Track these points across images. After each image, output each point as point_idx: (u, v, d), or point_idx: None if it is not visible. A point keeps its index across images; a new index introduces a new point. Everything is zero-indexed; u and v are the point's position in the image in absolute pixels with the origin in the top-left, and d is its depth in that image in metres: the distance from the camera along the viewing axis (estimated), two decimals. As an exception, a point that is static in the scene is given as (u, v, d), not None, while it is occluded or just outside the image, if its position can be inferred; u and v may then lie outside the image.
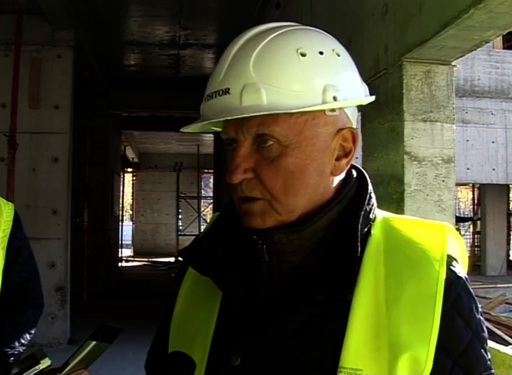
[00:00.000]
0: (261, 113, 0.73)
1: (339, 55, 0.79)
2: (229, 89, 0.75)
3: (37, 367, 0.91)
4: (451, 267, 0.75)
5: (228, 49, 0.79)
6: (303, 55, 0.75)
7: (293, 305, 0.75)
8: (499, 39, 10.62)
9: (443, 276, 0.73)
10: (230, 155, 0.79)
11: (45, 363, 0.91)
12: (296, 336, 0.75)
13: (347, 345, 0.71)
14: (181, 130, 0.85)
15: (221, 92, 0.76)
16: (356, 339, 0.72)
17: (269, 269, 0.80)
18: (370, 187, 0.84)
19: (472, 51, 2.74)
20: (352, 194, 0.82)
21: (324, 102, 0.75)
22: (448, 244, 0.77)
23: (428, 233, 0.79)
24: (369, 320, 0.72)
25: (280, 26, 0.80)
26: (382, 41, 3.06)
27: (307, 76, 0.75)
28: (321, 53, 0.77)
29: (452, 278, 0.74)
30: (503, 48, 11.36)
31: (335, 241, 0.78)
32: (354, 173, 0.86)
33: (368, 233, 0.79)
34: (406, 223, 0.82)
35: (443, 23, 2.41)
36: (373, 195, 0.83)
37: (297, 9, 4.91)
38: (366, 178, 0.85)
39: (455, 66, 2.90)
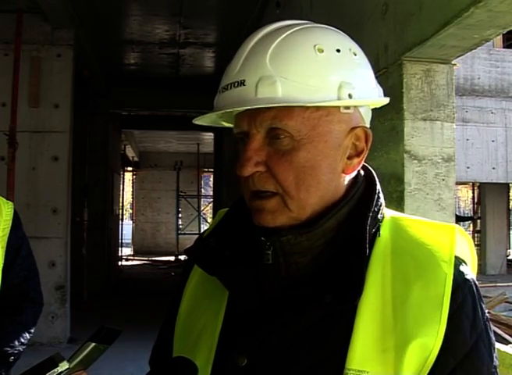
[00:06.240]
0: (276, 105, 0.73)
1: (355, 55, 0.79)
2: (244, 81, 0.75)
3: (55, 370, 0.91)
4: (459, 269, 0.74)
5: (245, 43, 0.78)
6: (320, 51, 0.75)
7: (300, 307, 0.75)
8: (499, 38, 10.61)
9: (451, 277, 0.72)
10: (242, 149, 0.78)
11: (63, 366, 0.92)
12: (303, 337, 0.74)
13: (354, 347, 0.71)
14: (194, 121, 0.85)
15: (236, 84, 0.76)
16: (362, 341, 0.71)
17: (277, 271, 0.79)
18: (378, 186, 0.83)
19: (472, 50, 2.73)
20: (360, 194, 0.81)
21: (339, 99, 0.75)
22: (457, 246, 0.76)
23: (436, 234, 0.78)
24: (376, 322, 0.72)
25: (297, 23, 0.80)
26: (381, 39, 3.06)
27: (324, 72, 0.75)
28: (338, 51, 0.77)
29: (460, 280, 0.73)
30: (503, 47, 11.36)
31: (343, 241, 0.77)
32: (362, 172, 0.85)
33: (376, 233, 0.78)
34: (414, 224, 0.81)
35: (443, 21, 2.40)
36: (381, 195, 0.82)
37: (297, 8, 4.90)
38: (374, 177, 0.84)
39: (455, 64, 2.90)
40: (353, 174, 0.82)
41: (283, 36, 0.76)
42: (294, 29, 0.78)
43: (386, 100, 0.84)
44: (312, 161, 0.76)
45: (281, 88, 0.73)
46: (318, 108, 0.75)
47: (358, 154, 0.80)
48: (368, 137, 0.81)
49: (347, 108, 0.78)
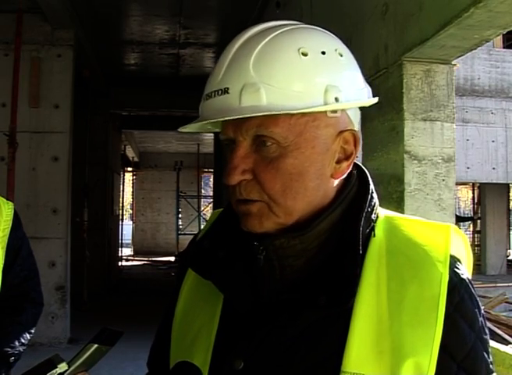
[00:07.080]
0: (260, 114, 0.71)
1: (341, 55, 0.77)
2: (228, 88, 0.73)
3: (53, 371, 0.91)
4: (455, 269, 0.73)
5: (228, 48, 0.77)
6: (304, 54, 0.73)
7: (295, 310, 0.74)
8: (499, 38, 10.62)
9: (446, 277, 0.71)
10: (228, 156, 0.77)
11: (63, 368, 0.92)
12: (298, 340, 0.74)
13: (349, 349, 0.70)
14: (179, 129, 0.83)
15: (220, 92, 0.74)
16: (358, 343, 0.70)
17: (271, 274, 0.78)
18: (371, 186, 0.82)
19: (472, 50, 2.74)
20: (353, 195, 0.80)
21: (325, 103, 0.73)
22: (452, 245, 0.75)
23: (431, 233, 0.77)
24: (371, 324, 0.71)
25: (282, 24, 0.78)
26: (382, 40, 3.06)
27: (309, 77, 0.73)
28: (323, 53, 0.75)
29: (455, 280, 0.72)
30: (503, 48, 11.37)
31: (337, 243, 0.76)
32: (355, 172, 0.84)
33: (371, 234, 0.77)
34: (409, 223, 0.80)
35: (443, 22, 2.40)
36: (375, 195, 0.81)
37: (297, 8, 4.91)
38: (367, 177, 0.83)
39: (455, 65, 2.90)
40: (344, 177, 0.80)
41: (266, 40, 0.74)
42: (278, 31, 0.75)
43: (374, 100, 0.82)
44: (300, 167, 0.74)
45: (265, 96, 0.71)
46: (304, 114, 0.73)
47: (347, 157, 0.78)
48: (357, 139, 0.79)
49: (334, 111, 0.76)
